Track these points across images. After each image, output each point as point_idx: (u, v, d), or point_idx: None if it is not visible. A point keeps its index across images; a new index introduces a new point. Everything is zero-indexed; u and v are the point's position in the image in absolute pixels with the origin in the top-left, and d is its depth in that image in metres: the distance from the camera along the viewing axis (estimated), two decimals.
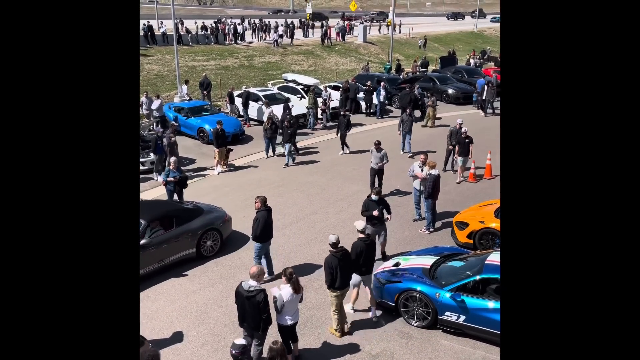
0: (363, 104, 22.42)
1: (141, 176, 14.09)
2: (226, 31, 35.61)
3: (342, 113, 16.93)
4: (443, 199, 11.73)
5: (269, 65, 31.39)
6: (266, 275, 9.11)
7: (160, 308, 8.44)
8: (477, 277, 7.54)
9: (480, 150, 15.10)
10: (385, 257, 9.73)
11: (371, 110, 22.25)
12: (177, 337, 7.70)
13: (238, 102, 20.65)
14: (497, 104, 22.37)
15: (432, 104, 20.39)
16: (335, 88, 22.58)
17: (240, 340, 5.60)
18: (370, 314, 8.18)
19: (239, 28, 35.79)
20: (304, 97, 20.66)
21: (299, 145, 17.57)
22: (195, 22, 37.21)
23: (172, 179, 11.63)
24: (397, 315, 8.10)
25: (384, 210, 9.58)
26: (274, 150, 16.47)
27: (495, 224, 9.86)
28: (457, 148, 14.05)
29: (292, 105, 19.16)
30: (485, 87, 22.36)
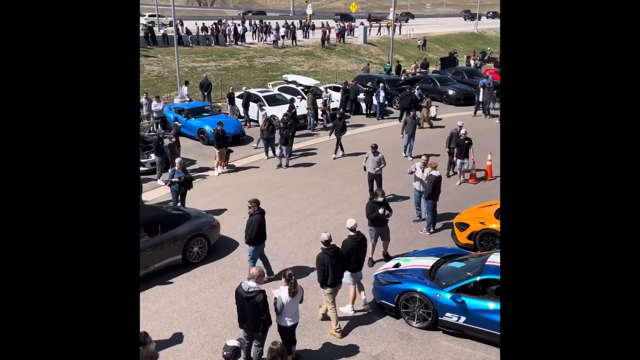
0: (363, 104, 22.43)
1: (141, 177, 14.08)
2: (226, 32, 35.65)
3: (337, 115, 16.78)
4: (443, 200, 11.73)
5: (269, 66, 31.41)
6: (266, 276, 9.13)
7: (160, 309, 8.44)
8: (478, 278, 7.53)
9: (480, 151, 15.09)
10: (387, 258, 9.73)
11: (371, 111, 22.26)
12: (177, 338, 7.70)
13: (238, 102, 20.66)
14: (496, 104, 22.26)
15: (427, 105, 20.34)
16: (336, 89, 22.59)
17: (233, 342, 5.58)
18: (364, 303, 8.32)
19: (239, 29, 35.82)
20: (304, 98, 20.67)
21: (298, 146, 17.59)
22: (196, 23, 37.27)
23: (176, 179, 11.59)
24: (398, 316, 8.10)
25: (386, 210, 9.58)
26: (273, 151, 16.47)
27: (495, 225, 9.86)
28: (455, 150, 13.97)
29: (297, 106, 19.14)
30: (481, 88, 22.35)
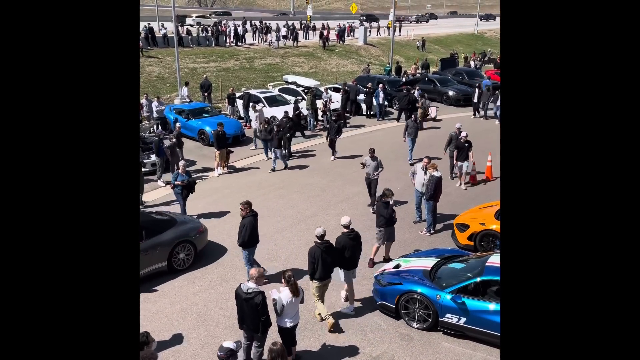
0: (363, 105, 22.44)
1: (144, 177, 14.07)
2: (227, 33, 35.67)
3: (332, 118, 16.66)
4: (443, 201, 11.72)
5: (270, 67, 31.42)
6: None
7: (160, 310, 8.44)
8: (478, 279, 7.53)
9: (480, 152, 15.08)
10: (388, 261, 9.73)
11: (371, 112, 22.28)
12: (177, 339, 7.70)
13: (239, 103, 20.67)
14: (493, 106, 22.00)
15: (422, 105, 20.28)
16: (336, 90, 22.61)
17: (229, 344, 5.56)
18: (349, 308, 8.36)
19: (240, 30, 35.85)
20: (304, 99, 20.69)
21: (298, 147, 17.58)
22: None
23: (180, 182, 11.47)
24: (398, 317, 8.10)
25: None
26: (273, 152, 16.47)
27: (495, 226, 9.85)
28: (455, 153, 13.84)
29: (302, 108, 19.09)
30: (477, 89, 22.33)
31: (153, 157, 14.71)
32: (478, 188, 14.00)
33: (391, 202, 9.50)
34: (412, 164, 15.20)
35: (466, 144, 13.56)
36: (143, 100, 18.93)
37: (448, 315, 7.59)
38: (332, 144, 16.34)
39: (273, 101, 20.47)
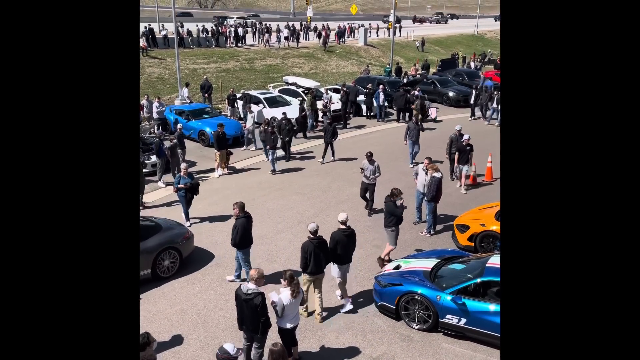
0: (364, 106, 22.46)
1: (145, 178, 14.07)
2: (227, 34, 35.71)
3: (327, 120, 16.47)
4: (444, 202, 11.72)
5: (270, 68, 31.45)
6: (232, 277, 9.29)
7: (160, 311, 8.43)
8: (478, 280, 7.53)
9: (480, 153, 15.06)
10: (388, 261, 9.73)
11: (372, 113, 22.30)
12: (177, 340, 7.69)
13: (239, 104, 20.69)
14: (490, 107, 21.79)
15: (416, 107, 20.25)
16: (336, 91, 22.64)
17: (229, 347, 5.55)
18: (348, 304, 8.48)
19: (240, 31, 35.90)
20: (305, 100, 20.70)
21: (298, 148, 17.57)
22: (197, 25, 37.33)
23: (183, 185, 11.33)
24: (398, 318, 8.09)
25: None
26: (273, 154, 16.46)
27: (496, 227, 9.85)
28: (456, 155, 13.67)
29: (307, 109, 18.98)
30: (473, 91, 22.30)
31: (153, 158, 14.71)
32: (478, 189, 13.99)
33: (400, 202, 9.50)
34: (413, 166, 15.17)
35: (468, 147, 13.42)
36: (143, 101, 18.94)
37: (448, 316, 7.58)
38: (328, 146, 16.08)
39: (273, 102, 20.48)
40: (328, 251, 8.01)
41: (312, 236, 7.88)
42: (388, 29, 43.96)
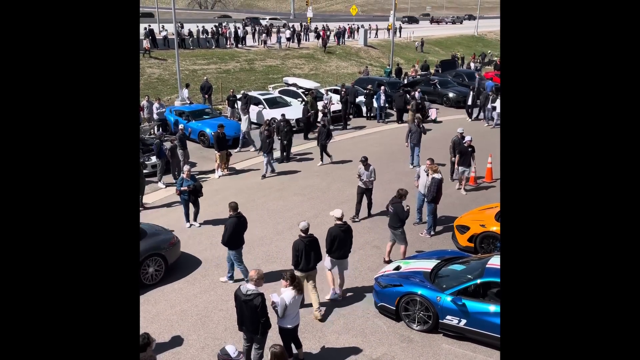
0: (364, 107, 22.48)
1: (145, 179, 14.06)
2: (227, 35, 35.74)
3: (322, 123, 16.28)
4: (444, 203, 11.72)
5: (270, 69, 31.46)
6: (225, 278, 9.31)
7: (160, 312, 8.43)
8: (478, 281, 7.52)
9: (480, 154, 15.06)
10: (388, 262, 9.74)
11: (372, 114, 22.31)
12: (177, 341, 7.69)
13: (239, 105, 20.68)
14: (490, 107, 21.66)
15: (412, 108, 20.24)
16: (336, 91, 22.66)
17: (230, 347, 5.55)
18: (332, 292, 8.71)
19: (240, 32, 35.93)
20: (305, 101, 20.71)
21: (298, 149, 17.56)
22: (197, 26, 37.36)
23: (186, 188, 11.26)
24: (398, 319, 8.09)
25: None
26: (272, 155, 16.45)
27: (496, 228, 9.85)
28: (458, 158, 13.51)
29: (312, 111, 18.86)
30: (471, 92, 22.26)
31: (153, 159, 14.70)
32: (478, 190, 13.99)
33: (406, 207, 9.55)
34: (413, 167, 15.16)
35: (470, 149, 13.37)
36: (144, 102, 18.95)
37: (448, 317, 7.58)
38: (323, 149, 15.95)
39: (273, 103, 20.49)
40: (319, 249, 8.13)
41: (303, 234, 8.00)
42: (388, 29, 43.97)
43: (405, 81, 26.97)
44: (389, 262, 9.67)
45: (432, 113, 22.05)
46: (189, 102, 21.67)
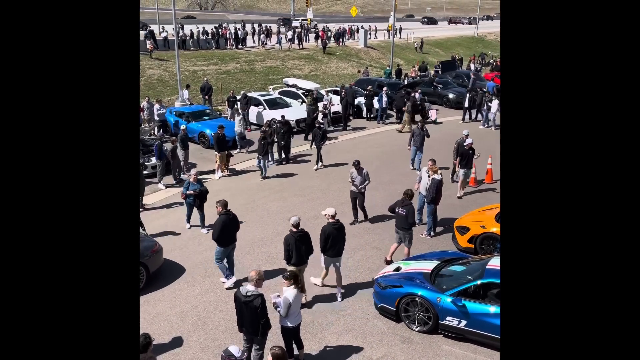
0: (364, 108, 22.48)
1: (145, 180, 14.05)
2: (227, 36, 35.76)
3: (317, 125, 16.12)
4: (444, 204, 11.72)
5: (270, 70, 31.47)
6: (224, 279, 9.28)
7: (160, 313, 8.43)
8: (478, 282, 7.52)
9: (481, 154, 15.06)
10: (389, 263, 9.74)
11: (371, 115, 22.31)
12: (177, 342, 7.68)
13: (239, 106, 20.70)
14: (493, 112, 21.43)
15: (407, 109, 20.22)
16: (336, 92, 22.67)
17: (234, 348, 5.55)
18: (336, 292, 8.81)
19: (240, 33, 35.95)
20: (305, 102, 20.71)
21: (297, 150, 17.55)
22: (197, 27, 37.41)
23: (192, 192, 11.09)
24: (398, 320, 8.08)
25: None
26: (272, 156, 16.44)
27: (496, 229, 9.84)
28: (458, 160, 13.41)
29: (316, 113, 18.79)
30: (467, 94, 22.22)
31: (153, 160, 14.70)
32: (478, 191, 13.98)
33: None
34: (414, 169, 15.12)
35: (470, 151, 13.27)
36: (144, 103, 18.95)
37: (448, 318, 7.57)
38: (318, 151, 15.78)
39: (273, 104, 20.49)
40: (310, 243, 8.28)
41: (294, 229, 8.15)
42: (388, 30, 43.99)
43: (405, 82, 26.98)
44: (390, 262, 9.66)
45: (432, 114, 22.05)
46: (189, 103, 21.67)
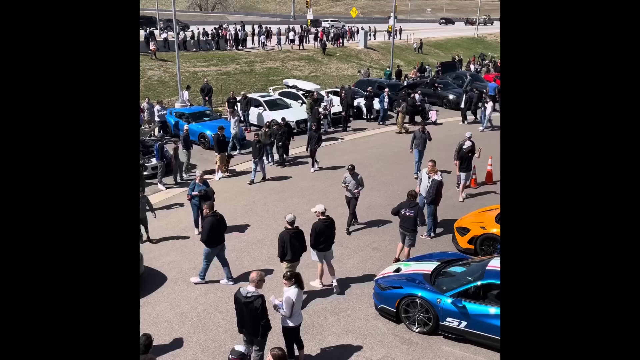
0: (364, 109, 22.48)
1: (145, 181, 14.06)
2: (227, 37, 35.78)
3: (312, 127, 16.00)
4: (444, 205, 11.72)
5: (270, 71, 31.48)
6: (224, 280, 9.36)
7: (160, 314, 8.42)
8: (479, 283, 7.52)
9: (480, 155, 15.05)
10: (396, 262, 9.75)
11: (372, 116, 22.32)
12: (178, 343, 7.68)
13: (239, 107, 20.71)
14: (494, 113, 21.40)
15: (402, 109, 20.16)
16: (336, 93, 22.68)
17: (240, 347, 5.57)
18: (333, 284, 9.02)
19: (240, 34, 35.96)
20: (304, 103, 20.72)
21: (298, 150, 17.56)
22: (198, 28, 37.44)
23: (197, 193, 11.00)
24: (398, 321, 8.08)
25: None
26: (272, 157, 16.44)
27: (496, 230, 9.84)
28: (458, 163, 13.30)
29: (308, 113, 18.74)
30: (464, 95, 22.20)
31: (154, 161, 14.71)
32: (478, 191, 13.98)
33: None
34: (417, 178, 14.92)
35: (470, 154, 13.20)
36: (144, 104, 18.96)
37: (449, 319, 7.57)
38: (312, 154, 15.67)
39: (273, 105, 20.49)
40: (304, 241, 8.45)
41: (289, 227, 8.31)
42: (388, 31, 44.02)
43: (405, 83, 26.99)
44: (398, 260, 9.67)
45: (432, 115, 22.05)
46: (189, 104, 21.68)
